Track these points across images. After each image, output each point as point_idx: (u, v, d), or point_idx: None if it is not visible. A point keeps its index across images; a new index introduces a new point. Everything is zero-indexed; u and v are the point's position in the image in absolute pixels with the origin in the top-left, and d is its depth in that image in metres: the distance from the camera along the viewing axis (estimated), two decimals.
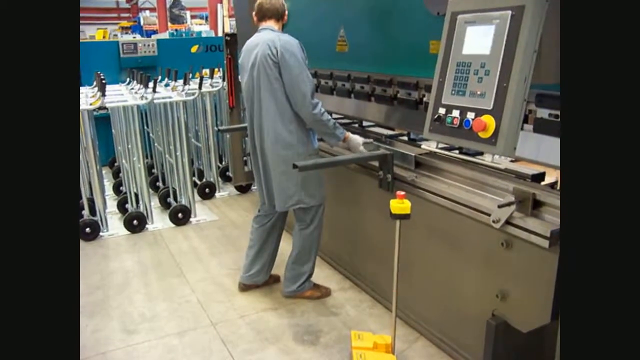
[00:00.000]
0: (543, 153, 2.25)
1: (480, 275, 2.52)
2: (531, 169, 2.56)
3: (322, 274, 3.88)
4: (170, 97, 4.96)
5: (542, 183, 2.50)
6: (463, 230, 2.57)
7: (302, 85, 2.85)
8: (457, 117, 2.00)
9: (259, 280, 3.59)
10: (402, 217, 2.39)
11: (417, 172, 2.85)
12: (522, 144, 2.25)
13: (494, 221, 2.21)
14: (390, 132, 3.57)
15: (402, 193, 2.38)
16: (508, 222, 2.20)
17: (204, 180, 6.08)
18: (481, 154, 2.87)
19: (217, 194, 6.05)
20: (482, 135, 1.86)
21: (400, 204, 2.37)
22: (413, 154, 2.86)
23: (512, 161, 2.83)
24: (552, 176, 2.60)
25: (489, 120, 1.84)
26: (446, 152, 2.82)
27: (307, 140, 3.07)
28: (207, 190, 5.94)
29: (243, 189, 6.09)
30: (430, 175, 2.78)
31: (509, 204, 2.16)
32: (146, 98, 4.79)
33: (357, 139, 3.06)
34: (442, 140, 2.17)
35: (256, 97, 3.03)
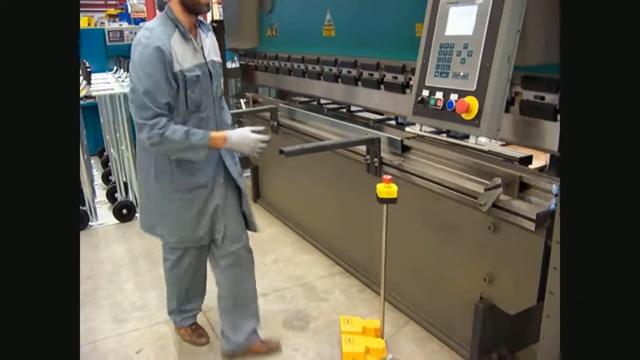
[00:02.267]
0: (529, 136, 2.24)
1: (468, 259, 2.51)
2: (519, 152, 2.54)
3: (312, 260, 3.88)
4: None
5: (530, 166, 2.48)
6: (451, 214, 2.56)
7: (132, 101, 2.20)
8: (441, 99, 1.98)
9: None
10: (389, 201, 2.37)
11: (404, 156, 2.84)
12: (508, 126, 2.25)
13: (480, 204, 2.20)
14: (378, 117, 3.55)
15: (389, 177, 2.36)
16: (495, 205, 2.19)
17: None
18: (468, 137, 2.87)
19: None
20: (465, 116, 1.85)
21: (387, 188, 2.35)
22: (400, 138, 2.84)
23: (502, 145, 2.83)
24: (540, 160, 2.60)
25: (472, 101, 1.82)
26: (433, 136, 2.80)
27: (169, 173, 2.37)
28: None
29: None
30: (418, 159, 2.77)
31: (495, 187, 2.15)
32: None
33: (242, 132, 2.32)
34: (426, 123, 2.16)
35: None
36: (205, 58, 2.32)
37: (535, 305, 2.19)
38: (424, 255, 2.84)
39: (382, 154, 2.91)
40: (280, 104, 4.38)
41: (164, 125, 2.15)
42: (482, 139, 2.80)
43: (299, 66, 4.09)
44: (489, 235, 2.33)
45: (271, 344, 2.78)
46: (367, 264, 3.40)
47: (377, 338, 2.71)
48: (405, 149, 2.84)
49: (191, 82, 2.23)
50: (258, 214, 4.76)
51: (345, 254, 3.70)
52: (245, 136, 2.29)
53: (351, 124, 3.40)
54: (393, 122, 3.43)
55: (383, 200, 2.37)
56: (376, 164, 2.91)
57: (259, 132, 2.35)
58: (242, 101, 5.05)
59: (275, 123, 4.24)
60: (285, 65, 4.29)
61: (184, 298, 2.86)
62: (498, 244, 2.31)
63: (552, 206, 2.02)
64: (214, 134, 2.26)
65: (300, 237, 4.28)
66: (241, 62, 5.30)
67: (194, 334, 2.91)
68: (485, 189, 2.16)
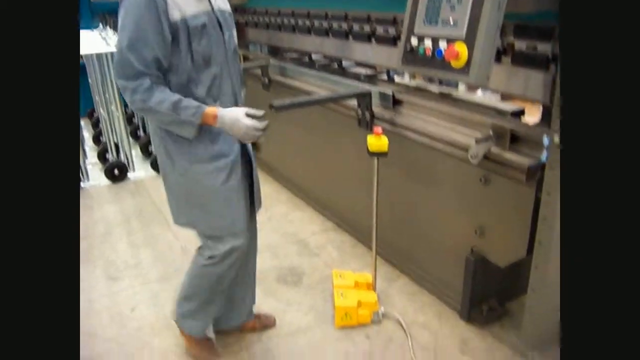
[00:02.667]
0: (521, 86, 2.20)
1: (460, 212, 2.51)
2: (511, 105, 2.51)
3: (305, 216, 3.89)
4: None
5: (522, 119, 2.46)
6: (442, 167, 2.54)
7: (116, 56, 1.86)
8: (430, 47, 1.93)
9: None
10: (380, 154, 2.35)
11: (396, 110, 2.80)
12: (500, 77, 2.21)
13: (471, 156, 2.18)
14: (369, 72, 3.49)
15: (380, 129, 2.33)
16: (486, 157, 2.18)
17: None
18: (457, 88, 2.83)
19: None
20: (454, 64, 1.80)
21: (377, 141, 2.33)
22: (391, 92, 2.80)
23: (503, 99, 2.79)
24: (534, 116, 2.57)
25: (461, 48, 1.77)
26: (425, 86, 2.76)
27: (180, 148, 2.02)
28: None
29: None
30: (409, 112, 2.73)
31: (486, 139, 2.13)
32: None
33: (235, 114, 1.92)
34: (415, 72, 2.11)
35: None
36: (211, 5, 1.97)
37: (525, 257, 2.20)
38: (415, 209, 2.83)
39: (374, 108, 2.87)
40: (271, 60, 4.30)
41: (148, 89, 1.81)
42: (479, 93, 2.78)
43: (289, 21, 4.00)
44: (480, 188, 2.32)
45: (267, 321, 2.65)
46: (359, 219, 3.40)
47: (369, 291, 2.73)
48: (396, 102, 2.81)
49: (195, 32, 1.86)
50: None
51: (338, 210, 3.70)
52: (237, 119, 1.90)
53: (342, 79, 3.35)
54: (385, 77, 3.37)
55: (374, 154, 2.35)
56: (367, 118, 2.87)
57: (255, 116, 1.96)
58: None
59: (267, 79, 4.17)
60: (276, 20, 4.20)
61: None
62: (489, 197, 2.30)
63: (543, 158, 2.01)
64: (208, 109, 1.89)
65: (294, 195, 4.28)
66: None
67: (208, 349, 2.47)
68: (476, 141, 2.13)
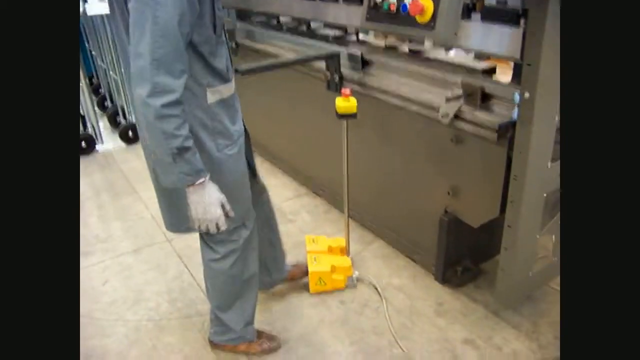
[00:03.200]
0: (492, 43, 2.14)
1: (432, 173, 2.47)
2: (482, 63, 2.45)
3: (279, 183, 3.83)
4: (106, 9, 4.62)
5: (493, 77, 2.41)
6: (414, 127, 2.49)
7: (139, 43, 1.43)
8: (394, 2, 1.86)
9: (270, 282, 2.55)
10: (349, 116, 2.29)
11: (365, 71, 2.73)
12: (469, 34, 2.15)
13: (442, 116, 2.13)
14: (338, 33, 3.40)
15: (348, 90, 2.26)
16: (457, 116, 2.13)
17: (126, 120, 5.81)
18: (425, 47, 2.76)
19: None
20: (419, 19, 1.74)
21: (346, 102, 2.26)
22: (359, 53, 2.72)
23: (480, 60, 2.74)
24: (507, 75, 2.53)
25: (426, 3, 1.70)
26: (396, 46, 2.69)
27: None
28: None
29: None
30: (379, 73, 2.67)
31: (456, 98, 2.08)
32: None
33: (216, 195, 1.67)
34: (379, 29, 2.04)
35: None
36: None
37: (498, 216, 2.18)
38: (387, 172, 2.79)
39: (342, 70, 2.80)
40: (238, 24, 4.17)
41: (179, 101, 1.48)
42: (452, 53, 2.72)
43: None
44: (451, 148, 2.29)
45: (302, 267, 2.67)
46: (331, 183, 3.36)
47: (343, 256, 2.71)
48: (365, 63, 2.73)
49: None
50: None
51: (311, 175, 3.65)
52: (213, 203, 1.65)
53: (311, 41, 3.25)
54: (354, 38, 3.28)
55: (342, 116, 2.28)
56: (336, 80, 2.80)
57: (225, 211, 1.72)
58: None
59: (234, 44, 4.05)
60: None
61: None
62: (461, 157, 2.27)
63: (514, 116, 1.97)
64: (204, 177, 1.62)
65: (267, 161, 4.21)
66: None
67: (265, 340, 2.31)
68: (446, 100, 2.09)
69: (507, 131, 1.99)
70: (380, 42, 2.96)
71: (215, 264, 2.03)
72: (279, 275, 2.54)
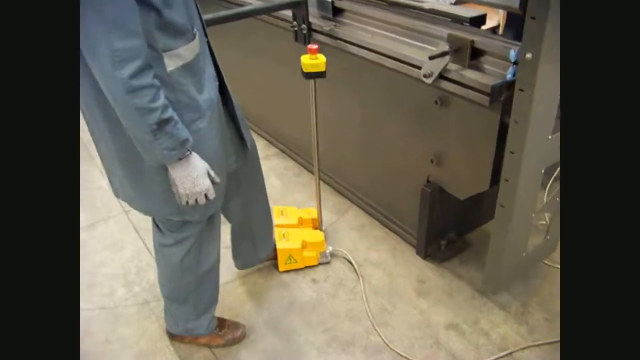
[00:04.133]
0: None
1: (413, 138, 2.20)
2: (470, 11, 2.14)
3: None
4: None
5: (483, 27, 2.10)
6: (392, 87, 2.20)
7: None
8: None
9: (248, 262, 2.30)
10: (317, 75, 1.98)
11: (337, 20, 2.39)
12: None
13: (425, 75, 1.83)
14: None
15: (315, 46, 1.95)
16: (442, 76, 1.83)
17: None
18: None
19: None
20: None
21: (313, 60, 1.95)
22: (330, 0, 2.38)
23: (453, 4, 2.42)
24: (493, 20, 2.21)
25: None
26: None
27: None
28: None
29: None
30: (352, 23, 2.33)
31: (442, 55, 1.78)
32: None
33: (203, 165, 1.45)
34: None
35: None
36: None
37: (488, 189, 1.93)
38: (364, 134, 2.51)
39: (312, 19, 2.45)
40: None
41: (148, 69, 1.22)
42: None
43: None
44: (435, 111, 2.00)
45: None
46: (303, 144, 3.07)
47: (315, 230, 2.45)
48: (337, 11, 2.39)
49: None
50: None
51: (281, 134, 3.35)
52: (202, 175, 1.44)
53: None
54: None
55: (309, 75, 1.98)
56: (304, 31, 2.46)
57: (213, 181, 1.50)
58: None
59: None
60: None
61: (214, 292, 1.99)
62: (446, 121, 1.99)
63: (509, 76, 1.68)
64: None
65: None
66: None
67: (228, 330, 2.05)
68: (429, 57, 1.78)
69: (500, 93, 1.71)
70: None
71: (166, 250, 1.77)
72: (265, 252, 2.27)
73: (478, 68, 1.78)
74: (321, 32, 2.40)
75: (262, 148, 3.44)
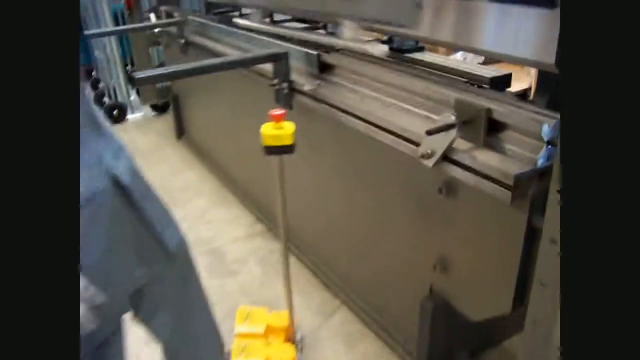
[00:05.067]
0: (504, 38, 1.32)
1: (412, 234, 1.68)
2: (490, 70, 1.65)
3: (229, 215, 3.04)
4: None
5: (508, 91, 1.60)
6: (386, 166, 1.70)
7: None
8: None
9: None
10: (281, 150, 1.50)
11: (324, 78, 1.93)
12: (461, 20, 1.35)
13: (423, 156, 1.33)
14: (303, 26, 2.60)
15: (279, 112, 1.47)
16: (447, 157, 1.32)
17: (111, 100, 5.07)
18: (420, 49, 1.98)
19: (129, 116, 5.09)
20: None
21: (276, 130, 1.47)
22: (315, 52, 1.92)
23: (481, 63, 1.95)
24: (524, 82, 1.72)
25: None
26: (366, 49, 1.89)
27: None
28: (115, 112, 4.97)
29: (160, 109, 5.12)
30: (341, 82, 1.86)
31: (445, 128, 1.27)
32: None
33: None
34: None
35: None
36: None
37: (510, 313, 1.38)
38: (355, 220, 2.00)
39: (295, 77, 2.00)
40: (190, 17, 3.38)
41: None
42: (458, 55, 1.91)
43: None
44: (439, 202, 1.48)
45: None
46: (292, 222, 2.56)
47: (286, 344, 1.90)
48: (324, 67, 1.93)
49: None
50: (179, 155, 3.92)
51: (269, 210, 2.85)
52: None
53: (267, 38, 2.43)
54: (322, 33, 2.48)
55: (271, 150, 1.49)
56: (285, 90, 2.00)
57: None
58: (152, 15, 4.05)
59: (183, 41, 3.27)
60: None
61: None
62: (453, 217, 1.47)
63: (541, 161, 1.16)
64: None
65: (221, 185, 3.42)
66: None
67: None
68: (426, 132, 1.27)
69: (528, 186, 1.18)
70: (354, 39, 2.15)
71: None
72: None
73: (497, 148, 1.27)
74: (303, 92, 1.94)
75: (247, 224, 2.95)
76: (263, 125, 1.50)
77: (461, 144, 1.30)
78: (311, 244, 2.38)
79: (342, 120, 1.73)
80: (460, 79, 1.63)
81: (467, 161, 1.26)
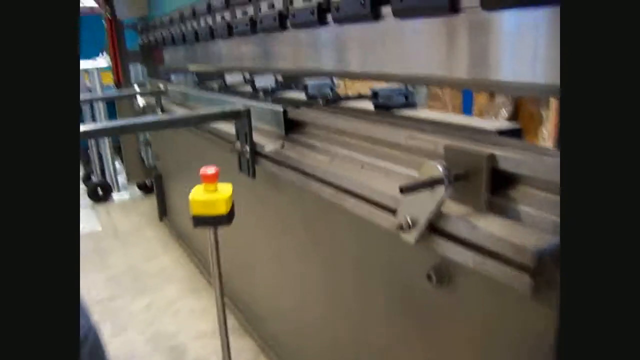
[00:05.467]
0: (507, 63, 0.95)
1: (395, 335, 1.25)
2: (498, 123, 1.30)
3: (198, 306, 2.61)
4: None
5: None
6: (363, 243, 1.30)
7: None
8: None
9: None
10: (214, 221, 1.12)
11: (292, 137, 1.57)
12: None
13: (401, 227, 0.93)
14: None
15: (212, 171, 1.11)
16: (435, 228, 0.93)
17: (94, 179, 4.81)
18: (411, 105, 1.64)
19: (115, 196, 4.79)
20: None
21: (208, 194, 1.09)
22: (281, 108, 1.58)
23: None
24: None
25: None
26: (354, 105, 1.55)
27: None
28: (99, 191, 4.69)
29: (148, 189, 4.81)
30: (313, 142, 1.50)
31: (429, 184, 0.88)
32: None
33: None
34: None
35: None
36: None
37: None
38: (327, 314, 1.58)
39: (258, 138, 1.65)
40: (171, 87, 3.12)
41: None
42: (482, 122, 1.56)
43: (192, 25, 2.74)
44: (429, 293, 1.07)
45: None
46: (266, 317, 2.15)
47: None
48: (292, 125, 1.58)
49: None
50: (158, 237, 3.59)
51: (243, 300, 2.43)
52: None
53: (240, 99, 2.10)
54: (297, 94, 2.16)
55: (200, 221, 1.11)
56: (247, 155, 1.65)
57: None
58: (135, 86, 3.84)
59: (160, 110, 3.00)
60: (175, 31, 2.97)
61: None
62: (450, 314, 1.05)
63: None
64: None
65: (196, 272, 3.02)
66: (140, 41, 4.03)
67: None
68: (400, 189, 0.88)
69: (554, 268, 0.77)
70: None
71: None
72: None
73: (506, 211, 0.87)
74: (265, 156, 1.58)
75: (214, 317, 2.51)
76: (194, 188, 1.13)
77: (454, 208, 0.91)
78: (279, 338, 1.95)
79: (306, 186, 1.36)
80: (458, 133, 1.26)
81: (463, 232, 0.87)
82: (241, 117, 1.61)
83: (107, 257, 3.38)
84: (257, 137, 1.66)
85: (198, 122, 1.78)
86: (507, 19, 0.85)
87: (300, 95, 2.03)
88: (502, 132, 1.20)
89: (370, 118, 1.37)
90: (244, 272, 2.29)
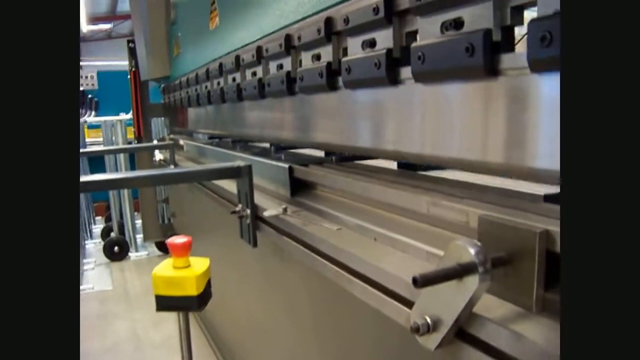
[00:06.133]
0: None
1: None
2: (538, 187, 1.05)
3: None
4: None
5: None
6: (377, 334, 1.04)
7: None
8: None
9: None
10: (181, 304, 0.89)
11: (298, 200, 1.35)
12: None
13: (415, 329, 0.68)
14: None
15: (182, 240, 0.88)
16: (464, 332, 0.67)
17: (113, 235, 4.67)
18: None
19: (132, 254, 4.63)
20: None
21: (176, 271, 0.87)
22: (286, 165, 1.36)
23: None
24: None
25: None
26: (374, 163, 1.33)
27: None
28: (116, 249, 4.53)
29: (166, 248, 4.62)
30: (318, 206, 1.27)
31: (456, 274, 0.63)
32: None
33: None
34: None
35: None
36: None
37: None
38: None
39: (261, 199, 1.43)
40: (185, 142, 2.97)
41: None
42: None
43: (206, 87, 2.57)
44: None
45: None
46: None
47: None
48: (300, 186, 1.36)
49: None
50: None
51: None
52: None
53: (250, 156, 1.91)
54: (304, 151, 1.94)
55: (163, 302, 0.88)
56: (247, 220, 1.42)
57: None
58: (155, 141, 3.75)
59: (172, 165, 2.84)
60: (192, 92, 2.82)
61: None
62: None
63: None
64: None
65: (204, 342, 2.78)
66: (164, 99, 3.94)
67: None
68: (414, 281, 0.63)
69: None
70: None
71: None
72: None
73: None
74: (267, 222, 1.35)
75: None
76: (162, 262, 0.91)
77: (492, 306, 0.66)
78: None
79: (309, 261, 1.12)
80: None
81: (504, 344, 0.61)
82: (242, 175, 1.40)
83: (111, 322, 3.18)
84: (260, 199, 1.44)
85: (193, 178, 1.59)
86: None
87: (316, 151, 1.82)
88: (548, 198, 0.95)
89: (387, 179, 1.14)
90: (262, 342, 2.03)
